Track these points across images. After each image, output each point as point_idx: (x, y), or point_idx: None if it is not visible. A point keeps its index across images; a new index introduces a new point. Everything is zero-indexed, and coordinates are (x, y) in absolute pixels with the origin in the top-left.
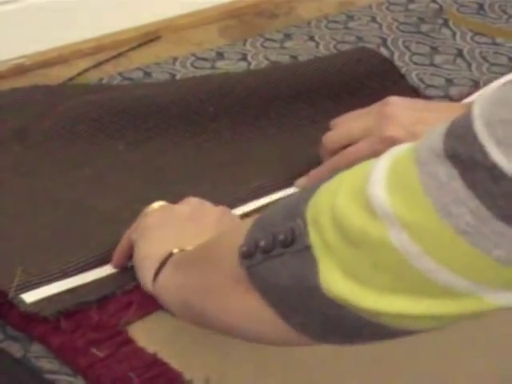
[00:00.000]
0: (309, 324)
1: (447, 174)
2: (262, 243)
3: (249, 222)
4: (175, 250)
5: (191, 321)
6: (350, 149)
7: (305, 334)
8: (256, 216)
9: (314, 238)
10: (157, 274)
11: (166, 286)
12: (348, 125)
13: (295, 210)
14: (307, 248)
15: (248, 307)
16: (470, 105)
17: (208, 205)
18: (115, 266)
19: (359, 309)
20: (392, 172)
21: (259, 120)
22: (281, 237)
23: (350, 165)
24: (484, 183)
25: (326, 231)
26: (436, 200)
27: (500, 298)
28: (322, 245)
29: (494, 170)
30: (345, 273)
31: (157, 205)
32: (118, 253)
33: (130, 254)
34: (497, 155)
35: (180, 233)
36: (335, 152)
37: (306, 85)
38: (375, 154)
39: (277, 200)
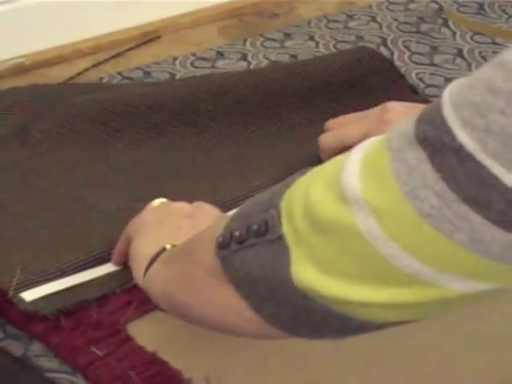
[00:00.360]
0: (279, 316)
1: (417, 158)
2: (237, 233)
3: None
4: (168, 246)
5: (177, 315)
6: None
7: (276, 326)
8: None
9: (286, 228)
10: (147, 269)
11: (153, 281)
12: (345, 128)
13: (270, 201)
14: (279, 238)
15: (223, 299)
16: None
17: (208, 205)
18: (115, 264)
19: (325, 297)
20: (365, 161)
21: (259, 119)
22: (254, 227)
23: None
24: (451, 165)
25: (297, 220)
26: (404, 184)
27: (466, 287)
28: (294, 234)
29: (460, 151)
30: (313, 261)
31: (157, 202)
32: (117, 250)
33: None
34: (463, 137)
35: (175, 229)
36: (331, 154)
37: (306, 84)
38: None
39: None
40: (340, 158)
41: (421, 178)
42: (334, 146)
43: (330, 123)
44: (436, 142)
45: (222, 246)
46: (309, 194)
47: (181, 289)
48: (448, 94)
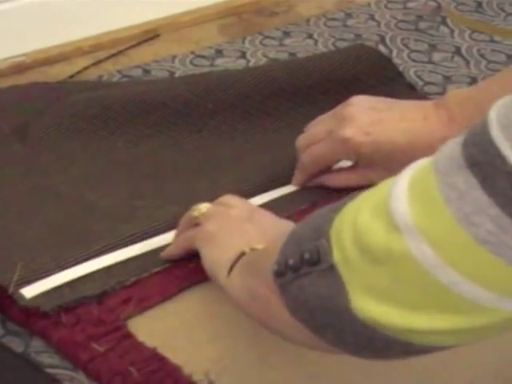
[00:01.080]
0: (341, 341)
1: (467, 182)
2: (291, 262)
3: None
4: (247, 249)
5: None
6: (310, 149)
7: (338, 348)
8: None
9: (337, 257)
10: (229, 273)
11: (232, 286)
12: (313, 128)
13: (321, 228)
14: (331, 267)
15: (285, 319)
16: (440, 103)
17: (256, 208)
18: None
19: (386, 327)
20: (412, 184)
21: (258, 117)
22: (307, 255)
23: (314, 165)
24: (503, 189)
25: (347, 248)
26: (457, 209)
27: None
28: (345, 263)
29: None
30: (370, 291)
31: (205, 208)
32: (171, 256)
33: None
34: None
35: (244, 233)
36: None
37: (305, 82)
38: (334, 153)
39: (277, 197)
40: (387, 182)
41: (473, 204)
42: (306, 146)
43: (309, 124)
44: (486, 166)
45: (278, 274)
46: (357, 221)
47: (249, 302)
48: (495, 114)
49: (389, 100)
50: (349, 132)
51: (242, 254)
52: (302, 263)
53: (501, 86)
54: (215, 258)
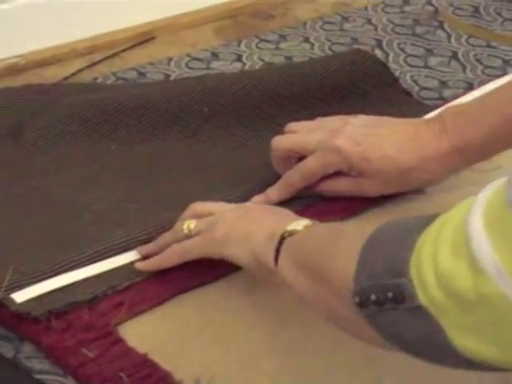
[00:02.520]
0: (438, 363)
1: None
2: (373, 297)
3: (349, 243)
4: (280, 231)
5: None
6: (301, 164)
7: (434, 364)
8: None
9: (423, 299)
10: (276, 257)
11: (288, 277)
12: (301, 134)
13: (397, 266)
14: (420, 307)
15: (375, 338)
16: (434, 118)
17: (234, 205)
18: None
19: (496, 363)
20: (489, 223)
21: (253, 121)
22: (390, 294)
23: (304, 181)
24: None
25: (433, 292)
26: None
27: None
28: (433, 305)
29: None
30: (468, 331)
31: (191, 224)
32: (159, 268)
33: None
34: None
35: (257, 221)
36: (281, 157)
37: (301, 86)
38: (325, 167)
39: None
40: (456, 216)
41: None
42: (286, 149)
43: (292, 126)
44: None
45: (361, 305)
46: (438, 262)
47: (323, 307)
48: None
49: (383, 118)
50: (340, 142)
51: (282, 238)
52: (385, 300)
53: (496, 102)
54: (247, 251)
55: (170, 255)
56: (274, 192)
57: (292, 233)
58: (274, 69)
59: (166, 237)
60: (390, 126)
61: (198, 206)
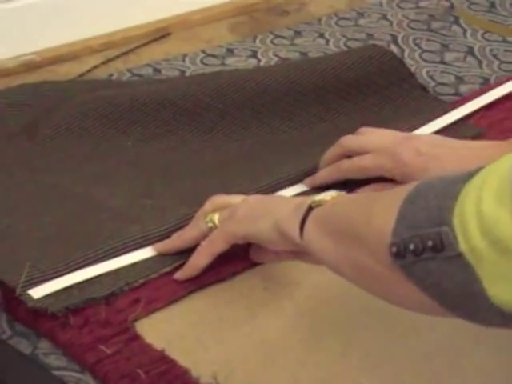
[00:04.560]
0: (473, 317)
1: None
2: (412, 246)
3: (388, 200)
4: (309, 201)
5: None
6: (357, 157)
7: (468, 320)
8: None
9: (463, 246)
10: (302, 227)
11: (314, 245)
12: (372, 137)
13: (440, 215)
14: (459, 255)
15: (407, 294)
16: (504, 142)
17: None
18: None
19: None
20: None
21: (268, 117)
22: (429, 243)
23: (353, 173)
24: None
25: (474, 238)
26: None
27: None
28: (473, 253)
29: None
30: (505, 280)
31: (214, 217)
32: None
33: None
34: None
35: (278, 199)
36: (340, 156)
37: (316, 82)
38: (378, 168)
39: (292, 196)
40: (503, 165)
41: None
42: (352, 149)
43: (363, 129)
44: None
45: (398, 255)
46: (482, 210)
47: (352, 271)
48: None
49: (453, 139)
50: (402, 148)
51: (309, 208)
52: (424, 249)
53: None
54: (270, 224)
55: (201, 253)
56: (324, 172)
57: (320, 203)
58: (289, 65)
59: (191, 231)
60: (457, 142)
61: (219, 199)
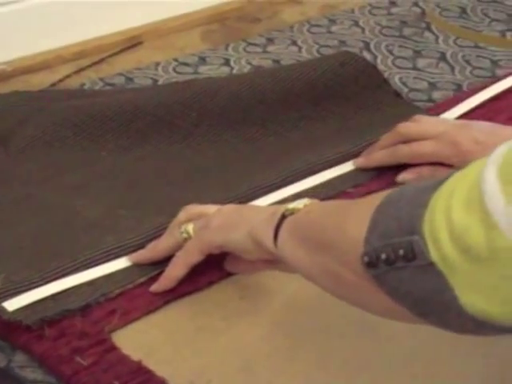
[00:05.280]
0: (444, 324)
1: None
2: (384, 256)
3: (361, 208)
4: (282, 209)
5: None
6: (416, 143)
7: (441, 328)
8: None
9: (434, 255)
10: (276, 235)
11: (288, 253)
12: (428, 124)
13: (410, 224)
14: (431, 264)
15: (380, 302)
16: None
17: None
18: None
19: (497, 321)
20: (504, 179)
21: (242, 125)
22: (401, 252)
23: (410, 158)
24: None
25: (444, 246)
26: None
27: None
28: (445, 262)
29: None
30: (476, 289)
31: (189, 227)
32: (176, 279)
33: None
34: None
35: (251, 209)
36: (395, 143)
37: (289, 89)
38: (436, 154)
39: (266, 206)
40: (471, 173)
41: None
42: (409, 135)
43: (418, 116)
44: None
45: (370, 265)
46: (452, 218)
47: (325, 278)
48: None
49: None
50: (461, 137)
51: (283, 216)
52: (396, 258)
53: None
54: (244, 233)
55: (177, 264)
56: (379, 154)
57: (293, 211)
58: (262, 72)
59: (165, 241)
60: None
61: (193, 209)
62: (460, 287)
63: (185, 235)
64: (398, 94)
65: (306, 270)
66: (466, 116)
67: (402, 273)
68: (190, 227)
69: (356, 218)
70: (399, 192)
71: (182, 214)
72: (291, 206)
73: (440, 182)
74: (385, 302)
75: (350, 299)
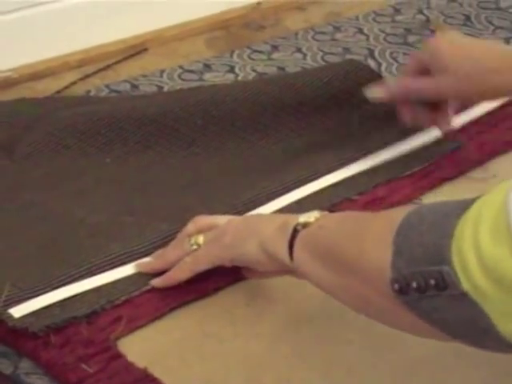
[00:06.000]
0: (480, 345)
1: None
2: (414, 284)
3: (379, 229)
4: (293, 223)
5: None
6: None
7: (477, 348)
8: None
9: (466, 285)
10: (291, 250)
11: (306, 269)
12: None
13: (438, 253)
14: (464, 293)
15: (411, 323)
16: None
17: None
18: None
19: None
20: None
21: (247, 132)
22: (432, 281)
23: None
24: None
25: (477, 278)
26: None
27: None
28: (478, 291)
29: None
30: (510, 316)
31: (199, 238)
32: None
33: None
34: None
35: (262, 220)
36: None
37: (294, 97)
38: (416, 62)
39: (273, 215)
40: (496, 198)
41: None
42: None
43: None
44: None
45: (401, 292)
46: (481, 248)
47: (348, 297)
48: None
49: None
50: (436, 41)
51: (295, 230)
52: (427, 287)
53: None
54: (256, 245)
55: (183, 268)
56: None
57: (305, 225)
58: (267, 80)
59: (174, 252)
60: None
61: (202, 220)
62: (496, 315)
63: (195, 247)
64: None
65: (327, 287)
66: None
67: (435, 301)
68: (200, 239)
69: (375, 239)
70: (419, 215)
71: (191, 226)
72: (302, 219)
73: (464, 208)
74: (416, 323)
75: (378, 319)
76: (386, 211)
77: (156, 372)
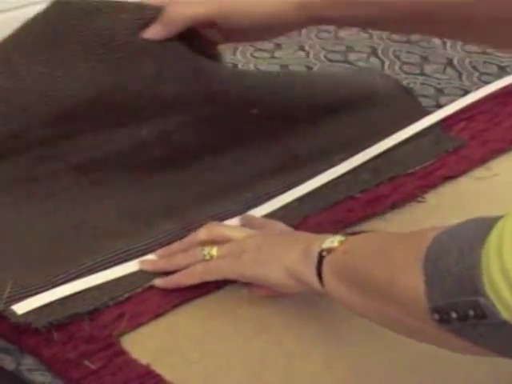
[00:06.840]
0: None
1: None
2: (454, 315)
3: (406, 256)
4: (317, 249)
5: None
6: None
7: None
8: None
9: (505, 314)
10: (320, 276)
11: (338, 295)
12: None
13: (470, 285)
14: (505, 322)
15: (460, 345)
16: None
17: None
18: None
19: None
20: None
21: (250, 137)
22: (471, 312)
23: None
24: None
25: None
26: None
27: None
28: None
29: None
30: None
31: (213, 250)
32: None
33: None
34: None
35: (289, 239)
36: None
37: (300, 105)
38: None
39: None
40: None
41: None
42: None
43: None
44: None
45: (442, 321)
46: (509, 274)
47: (383, 321)
48: None
49: None
50: None
51: (320, 256)
52: (467, 317)
53: None
54: (281, 270)
55: (192, 274)
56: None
57: (330, 250)
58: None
59: (184, 259)
60: None
61: (216, 229)
62: None
63: (208, 258)
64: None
65: (365, 314)
66: (473, 119)
67: (477, 328)
68: (214, 251)
69: (404, 267)
70: (441, 243)
71: (204, 233)
72: (325, 245)
73: (484, 234)
74: (466, 346)
75: (418, 340)
76: (407, 234)
77: (159, 369)
